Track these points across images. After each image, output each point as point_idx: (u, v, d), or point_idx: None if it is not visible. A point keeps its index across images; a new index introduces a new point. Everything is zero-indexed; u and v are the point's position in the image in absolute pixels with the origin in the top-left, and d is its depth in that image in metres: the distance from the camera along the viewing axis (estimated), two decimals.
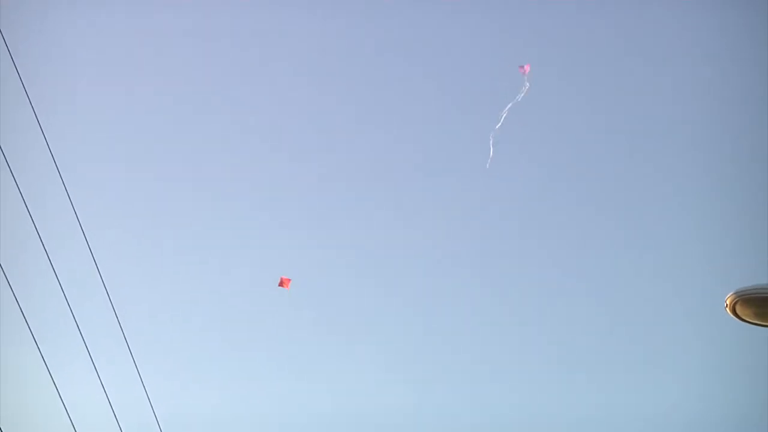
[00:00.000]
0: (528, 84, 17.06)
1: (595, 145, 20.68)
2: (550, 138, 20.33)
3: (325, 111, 20.99)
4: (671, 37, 20.60)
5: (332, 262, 20.48)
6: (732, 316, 7.32)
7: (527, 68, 17.32)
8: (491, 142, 17.44)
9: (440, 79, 20.97)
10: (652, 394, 19.55)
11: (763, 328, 7.40)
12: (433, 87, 20.98)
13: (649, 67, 20.51)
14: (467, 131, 20.38)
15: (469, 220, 20.54)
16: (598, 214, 20.46)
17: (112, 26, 20.87)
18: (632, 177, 20.60)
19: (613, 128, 20.54)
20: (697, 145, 20.22)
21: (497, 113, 18.78)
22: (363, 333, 19.98)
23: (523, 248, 20.54)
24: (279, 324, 19.90)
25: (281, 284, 17.53)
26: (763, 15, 20.04)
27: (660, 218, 20.40)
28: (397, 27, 21.08)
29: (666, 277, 20.09)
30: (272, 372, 19.73)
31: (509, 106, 17.33)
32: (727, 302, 7.18)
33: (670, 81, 20.60)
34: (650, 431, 19.24)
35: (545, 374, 19.88)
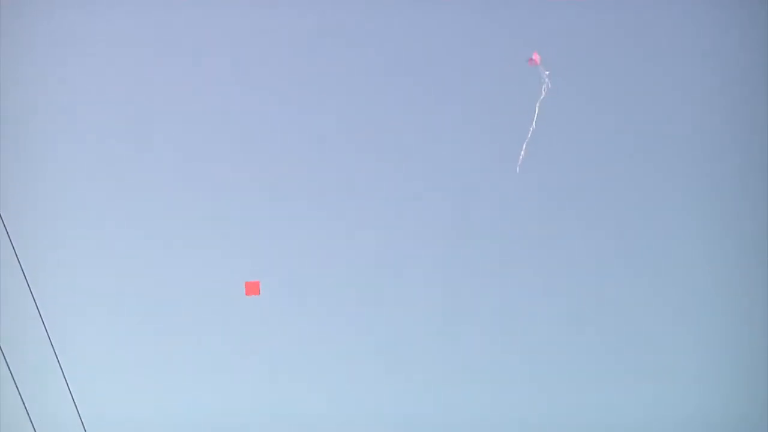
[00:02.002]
0: (548, 80, 16.53)
1: (601, 149, 20.72)
2: (552, 141, 20.36)
3: (318, 112, 21.03)
4: (676, 36, 20.65)
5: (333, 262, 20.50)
6: None
7: (536, 58, 16.44)
8: (524, 144, 17.20)
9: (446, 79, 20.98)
10: (643, 399, 19.64)
11: None
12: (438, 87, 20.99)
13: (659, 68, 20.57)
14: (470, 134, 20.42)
15: (466, 222, 20.57)
16: (597, 214, 20.50)
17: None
18: (628, 177, 20.64)
19: (621, 130, 20.59)
20: (704, 149, 20.30)
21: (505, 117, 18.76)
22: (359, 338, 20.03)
23: (518, 251, 20.58)
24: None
25: (250, 291, 16.92)
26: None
27: (658, 218, 20.45)
28: (400, 26, 21.10)
29: (665, 276, 20.14)
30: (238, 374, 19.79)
31: (537, 105, 17.06)
32: None
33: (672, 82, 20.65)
34: None
35: (540, 377, 19.94)
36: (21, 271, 18.54)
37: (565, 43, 20.48)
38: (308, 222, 20.43)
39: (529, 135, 17.59)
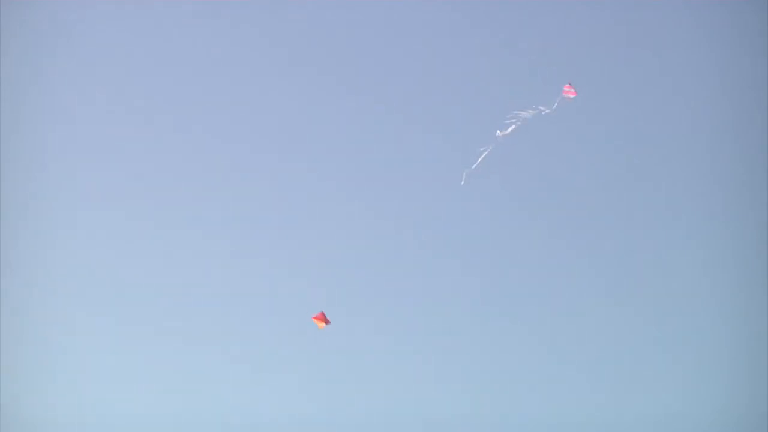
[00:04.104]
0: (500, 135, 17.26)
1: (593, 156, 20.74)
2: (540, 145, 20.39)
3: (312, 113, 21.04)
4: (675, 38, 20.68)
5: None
6: None
7: (572, 92, 17.47)
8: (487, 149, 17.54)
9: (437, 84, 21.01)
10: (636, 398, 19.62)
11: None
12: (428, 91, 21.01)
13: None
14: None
15: (466, 224, 20.56)
16: (597, 215, 20.51)
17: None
18: (629, 177, 20.66)
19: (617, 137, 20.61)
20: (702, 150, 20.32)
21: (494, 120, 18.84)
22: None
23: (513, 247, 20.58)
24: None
25: (320, 320, 17.60)
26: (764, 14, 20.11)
27: (659, 221, 20.46)
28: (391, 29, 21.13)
29: (665, 277, 20.14)
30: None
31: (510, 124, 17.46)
32: None
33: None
34: None
35: (539, 377, 19.91)
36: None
37: (563, 43, 20.50)
38: (305, 223, 20.44)
39: (473, 166, 18.12)
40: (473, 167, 18.19)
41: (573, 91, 18.25)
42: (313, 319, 17.97)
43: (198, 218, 20.47)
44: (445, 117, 20.91)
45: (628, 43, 20.82)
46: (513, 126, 18.04)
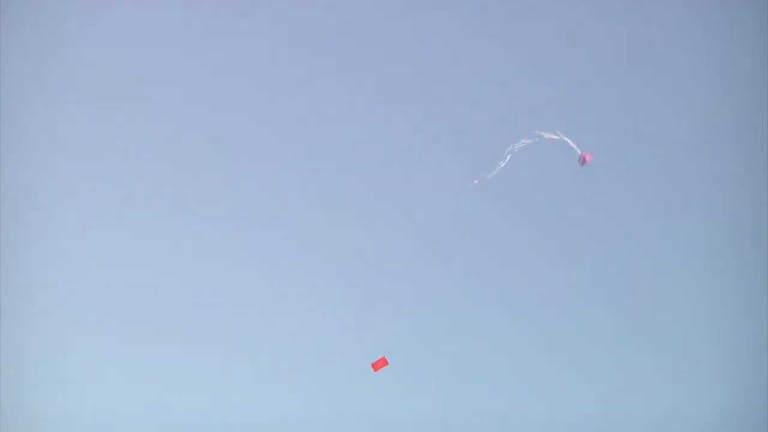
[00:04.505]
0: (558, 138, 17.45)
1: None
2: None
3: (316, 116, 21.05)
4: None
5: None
6: None
7: (589, 158, 17.75)
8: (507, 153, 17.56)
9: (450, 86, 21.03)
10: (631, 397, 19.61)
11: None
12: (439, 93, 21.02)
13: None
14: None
15: (469, 223, 20.56)
16: (596, 211, 20.50)
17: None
18: (637, 176, 20.68)
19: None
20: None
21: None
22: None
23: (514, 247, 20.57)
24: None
25: (378, 365, 17.68)
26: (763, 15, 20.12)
27: (660, 227, 20.48)
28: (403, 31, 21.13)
29: (668, 277, 20.14)
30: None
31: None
32: None
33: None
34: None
35: (540, 377, 19.89)
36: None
37: (563, 43, 20.51)
38: (306, 224, 20.45)
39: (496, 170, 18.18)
40: (490, 176, 18.19)
41: (589, 157, 18.37)
42: (376, 366, 17.82)
43: (199, 219, 20.49)
44: (445, 117, 20.92)
45: (628, 43, 20.82)
46: (525, 142, 18.05)
